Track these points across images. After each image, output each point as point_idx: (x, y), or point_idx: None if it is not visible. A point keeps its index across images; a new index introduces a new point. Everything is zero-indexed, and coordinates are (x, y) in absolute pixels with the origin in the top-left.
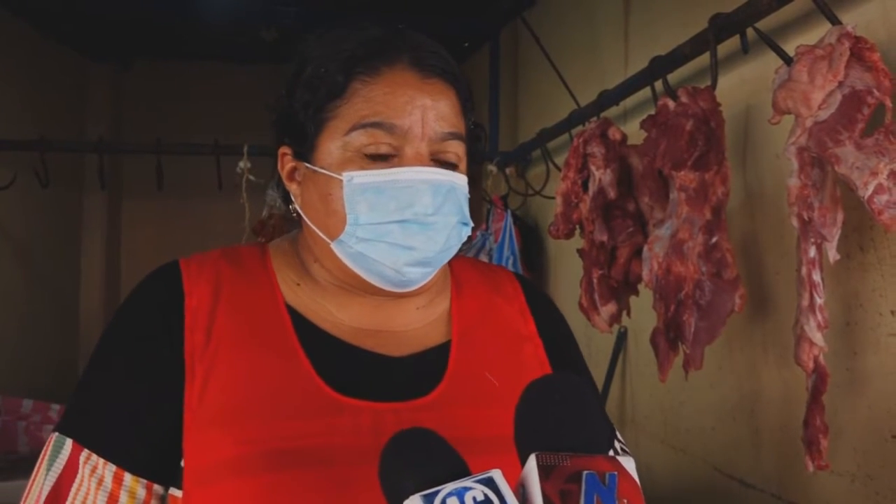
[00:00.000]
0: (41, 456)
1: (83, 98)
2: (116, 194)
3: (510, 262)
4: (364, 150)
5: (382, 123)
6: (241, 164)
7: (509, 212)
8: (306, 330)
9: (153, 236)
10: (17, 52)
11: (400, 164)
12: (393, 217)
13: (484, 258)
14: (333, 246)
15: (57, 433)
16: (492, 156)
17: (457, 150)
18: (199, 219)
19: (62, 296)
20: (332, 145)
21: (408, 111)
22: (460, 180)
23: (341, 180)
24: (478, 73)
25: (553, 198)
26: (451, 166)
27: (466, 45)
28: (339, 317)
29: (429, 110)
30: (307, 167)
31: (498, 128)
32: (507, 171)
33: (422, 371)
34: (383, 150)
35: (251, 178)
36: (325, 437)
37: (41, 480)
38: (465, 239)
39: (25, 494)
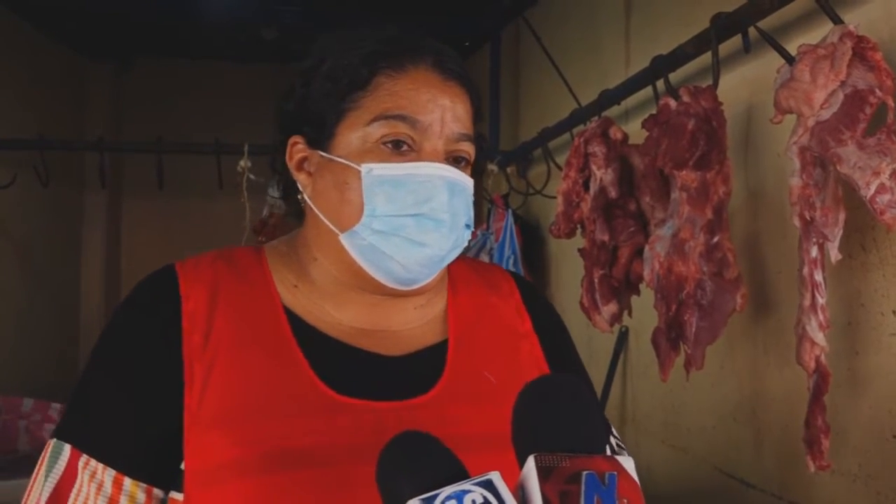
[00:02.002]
0: (39, 462)
1: (83, 97)
2: (117, 193)
3: (511, 261)
4: (384, 139)
5: (406, 117)
6: (242, 163)
7: (510, 211)
8: (304, 331)
9: (153, 235)
10: (18, 50)
11: (417, 160)
12: (409, 211)
13: (485, 257)
14: (343, 238)
15: (55, 438)
16: (493, 155)
17: (469, 151)
18: (200, 218)
19: (62, 295)
20: (352, 135)
21: (429, 108)
22: (470, 182)
23: (359, 171)
24: (479, 72)
25: (554, 197)
26: (463, 167)
27: (467, 44)
28: (336, 317)
29: (447, 110)
30: (322, 156)
31: (499, 127)
32: (508, 170)
33: (420, 370)
34: (402, 138)
35: (252, 177)
36: (326, 436)
37: (40, 486)
38: (466, 243)
39: (24, 501)
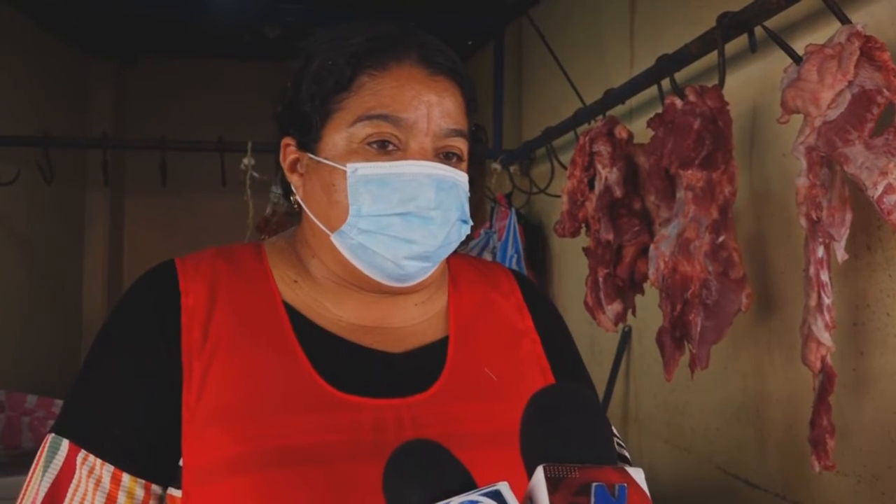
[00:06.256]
0: (37, 457)
1: (87, 94)
2: (119, 190)
3: (514, 260)
4: (368, 140)
5: (389, 116)
6: (245, 160)
7: (513, 210)
8: (304, 327)
9: (156, 233)
10: (21, 48)
11: (404, 158)
12: (395, 209)
13: (488, 256)
14: (334, 238)
15: (53, 434)
16: (496, 154)
17: (460, 146)
18: (203, 215)
19: (65, 291)
20: (337, 136)
21: (414, 106)
22: (462, 177)
23: (345, 171)
24: (482, 70)
25: (557, 196)
26: (454, 163)
27: (470, 43)
28: (336, 313)
29: (434, 106)
30: (311, 158)
31: (502, 126)
32: (511, 168)
33: (420, 367)
34: (387, 138)
35: (255, 174)
36: (324, 433)
37: (37, 481)
38: (464, 237)
39: (21, 496)
